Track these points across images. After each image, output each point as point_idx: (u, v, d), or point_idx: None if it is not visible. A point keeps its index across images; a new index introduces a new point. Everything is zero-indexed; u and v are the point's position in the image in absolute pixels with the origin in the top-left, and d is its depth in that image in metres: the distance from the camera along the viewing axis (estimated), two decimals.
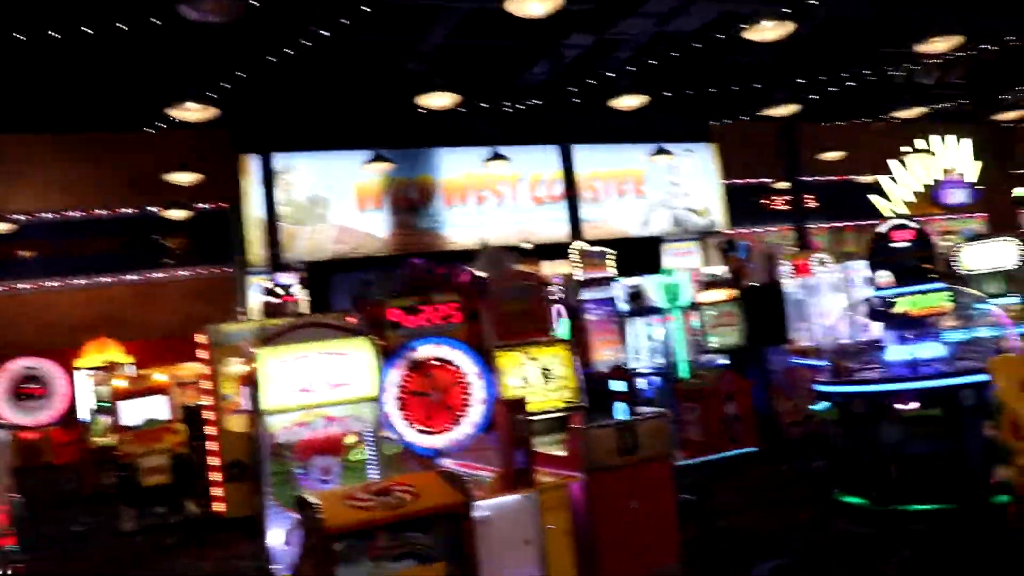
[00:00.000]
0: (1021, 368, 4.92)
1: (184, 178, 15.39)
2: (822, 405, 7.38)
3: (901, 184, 17.62)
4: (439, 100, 13.45)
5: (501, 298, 6.39)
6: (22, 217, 15.66)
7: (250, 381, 5.11)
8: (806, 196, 21.77)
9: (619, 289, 11.36)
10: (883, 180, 15.49)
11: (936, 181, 18.90)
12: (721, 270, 13.41)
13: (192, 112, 11.62)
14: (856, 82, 17.75)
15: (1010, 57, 17.21)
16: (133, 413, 10.23)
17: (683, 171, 20.92)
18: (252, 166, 16.82)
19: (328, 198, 17.64)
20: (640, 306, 10.96)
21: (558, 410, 6.01)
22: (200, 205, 16.61)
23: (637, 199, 20.62)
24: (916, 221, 7.68)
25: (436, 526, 4.32)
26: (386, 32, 13.63)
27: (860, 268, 11.89)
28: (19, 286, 15.77)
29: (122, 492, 10.06)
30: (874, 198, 15.28)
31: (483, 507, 4.66)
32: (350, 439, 5.11)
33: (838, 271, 12.40)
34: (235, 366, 9.05)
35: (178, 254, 16.82)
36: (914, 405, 6.54)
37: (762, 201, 22.07)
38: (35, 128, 15.39)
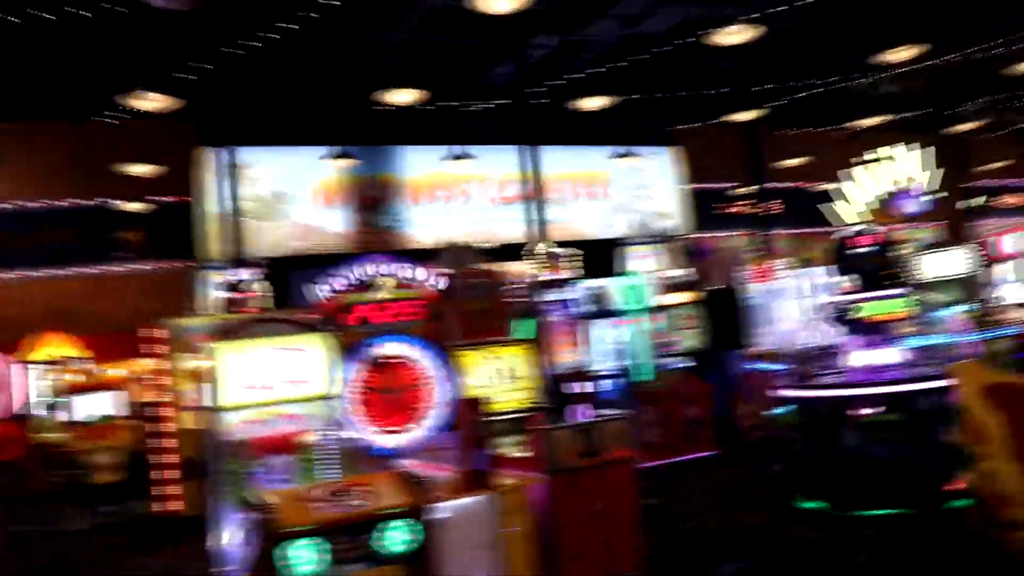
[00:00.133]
0: (983, 374, 4.95)
1: (143, 170, 15.12)
2: (782, 409, 7.41)
3: (859, 192, 17.88)
4: (403, 97, 13.35)
5: (464, 297, 6.33)
6: None
7: (205, 377, 4.99)
8: (768, 202, 21.98)
9: (581, 291, 11.35)
10: (842, 188, 15.70)
11: (893, 190, 19.06)
12: (683, 273, 13.44)
13: (152, 102, 11.41)
14: (818, 90, 17.90)
15: (966, 70, 17.48)
16: (85, 409, 10.01)
17: (646, 174, 20.98)
18: (213, 160, 16.58)
19: (290, 194, 17.45)
20: (601, 308, 10.95)
21: (520, 410, 5.96)
22: (159, 198, 16.34)
23: (600, 201, 20.64)
24: (877, 228, 7.74)
25: (394, 528, 4.23)
26: (351, 27, 13.48)
27: (820, 274, 11.99)
28: None
29: (71, 490, 9.83)
30: (832, 205, 15.49)
31: (442, 508, 4.59)
32: (307, 437, 5.00)
33: (798, 276, 12.48)
34: (191, 362, 8.89)
35: (135, 247, 16.53)
36: (873, 410, 6.57)
37: (724, 206, 22.21)
38: None
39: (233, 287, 10.65)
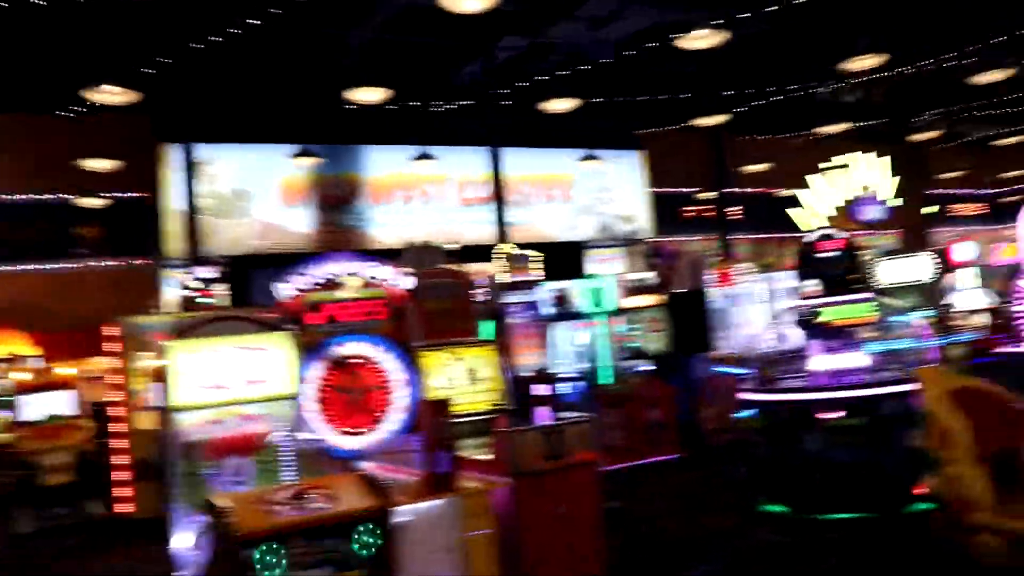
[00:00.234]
0: (948, 378, 4.97)
1: (102, 165, 14.84)
2: (745, 413, 7.42)
3: (819, 198, 18.04)
4: (369, 96, 13.23)
5: (428, 297, 6.25)
6: None
7: (161, 376, 4.86)
8: (731, 207, 22.13)
9: (544, 293, 11.31)
10: (803, 194, 15.83)
11: (852, 197, 19.23)
12: (646, 276, 13.48)
13: (113, 96, 11.18)
14: (782, 96, 18.06)
15: (924, 81, 17.74)
16: (35, 408, 9.75)
17: (610, 177, 21.03)
18: (173, 156, 16.33)
19: (251, 191, 17.24)
20: (565, 310, 10.93)
21: (484, 412, 5.89)
22: (118, 194, 16.05)
23: (564, 204, 20.65)
24: (841, 233, 7.79)
25: (354, 532, 4.14)
26: (317, 24, 13.33)
27: (783, 279, 12.10)
28: None
29: (21, 491, 9.57)
30: (794, 211, 15.63)
31: (404, 512, 4.50)
32: (266, 439, 4.89)
33: (761, 281, 12.56)
34: (148, 360, 8.71)
35: (94, 244, 16.22)
36: (837, 414, 6.59)
37: (688, 210, 22.33)
38: None
39: (192, 285, 10.47)
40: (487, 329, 10.32)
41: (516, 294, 11.47)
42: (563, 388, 9.82)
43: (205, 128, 16.26)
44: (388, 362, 5.19)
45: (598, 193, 21.02)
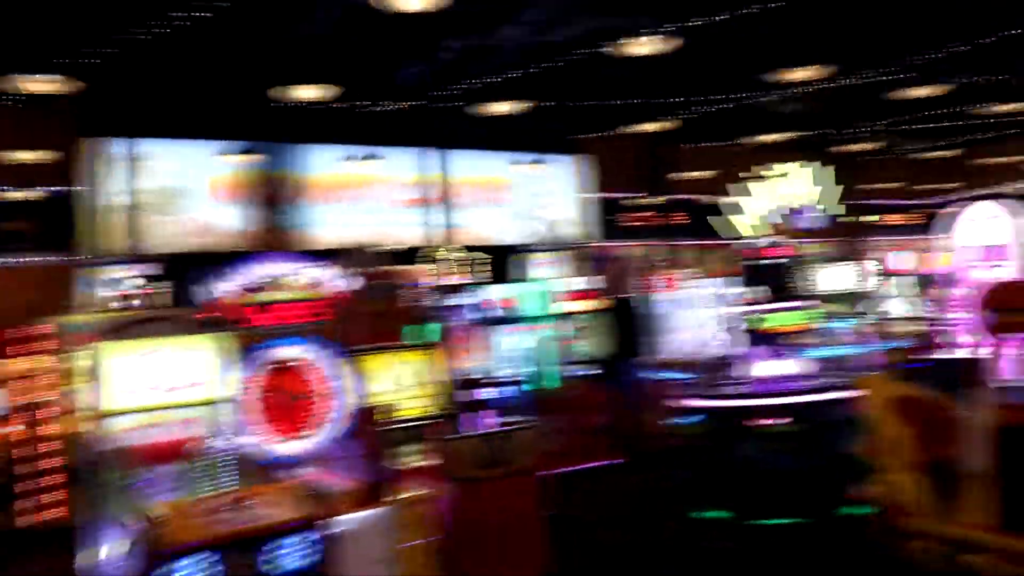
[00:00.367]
0: (891, 387, 5.02)
1: (32, 157, 14.38)
2: (685, 419, 7.43)
3: (754, 206, 18.27)
4: (308, 93, 13.03)
5: (368, 299, 6.14)
6: None
7: (90, 378, 4.68)
8: (671, 213, 22.30)
9: (484, 296, 11.25)
10: (742, 202, 16.02)
11: (788, 205, 19.53)
12: (586, 281, 13.50)
13: (43, 86, 10.82)
14: (722, 104, 18.25)
15: (861, 92, 18.08)
16: None
17: (552, 181, 21.03)
18: (105, 150, 15.88)
19: (188, 188, 16.85)
20: (505, 314, 10.88)
21: (423, 418, 5.79)
22: (49, 188, 15.56)
23: (502, 207, 20.59)
24: (782, 241, 7.87)
25: (290, 542, 4.02)
26: (258, 18, 13.07)
27: (723, 285, 12.20)
28: None
29: None
30: (732, 219, 15.80)
31: (341, 521, 4.39)
32: (199, 445, 4.73)
33: (702, 287, 12.66)
34: (75, 361, 8.41)
35: (23, 239, 15.69)
36: (776, 420, 6.63)
37: (628, 216, 22.44)
38: None
39: (124, 284, 10.16)
40: (427, 332, 10.23)
41: (456, 297, 11.39)
42: (503, 392, 9.78)
43: (141, 122, 15.81)
44: (327, 366, 5.08)
45: (539, 197, 21.00)
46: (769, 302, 7.51)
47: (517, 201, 20.61)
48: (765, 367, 7.27)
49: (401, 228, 18.72)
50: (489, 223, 20.16)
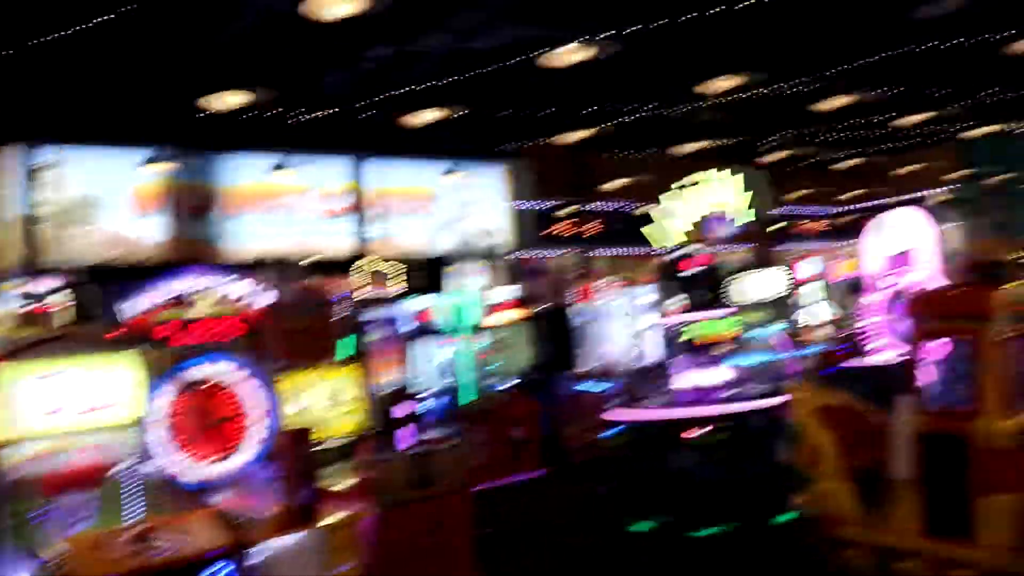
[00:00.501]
0: (816, 396, 5.07)
1: None
2: (612, 430, 7.42)
3: (676, 215, 18.46)
4: (230, 101, 12.73)
5: (287, 314, 5.96)
6: None
7: None
8: (597, 222, 22.44)
9: (406, 308, 11.12)
10: (664, 210, 16.19)
11: (708, 214, 19.75)
12: (511, 292, 13.46)
13: None
14: (647, 113, 18.45)
15: (780, 102, 18.48)
16: None
17: (474, 191, 20.97)
18: (9, 158, 15.26)
19: (100, 198, 16.29)
20: (428, 326, 10.77)
21: (348, 436, 5.64)
22: None
23: (427, 217, 20.45)
24: (705, 250, 7.93)
25: (209, 573, 3.85)
26: (179, 22, 12.70)
27: (644, 294, 12.28)
28: None
29: None
30: (654, 227, 15.97)
31: (263, 549, 4.22)
32: (111, 471, 4.50)
33: (625, 297, 12.70)
34: None
35: None
36: (704, 430, 6.66)
37: (552, 225, 22.50)
38: None
39: (30, 300, 9.72)
40: (348, 346, 10.04)
41: (379, 309, 11.22)
42: (429, 406, 9.66)
43: (47, 128, 15.25)
44: (245, 385, 4.91)
45: (463, 207, 20.91)
46: (693, 311, 7.55)
47: (443, 211, 20.48)
48: (690, 377, 7.30)
49: (325, 239, 18.44)
50: (415, 233, 19.99)
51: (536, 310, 12.41)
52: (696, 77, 15.45)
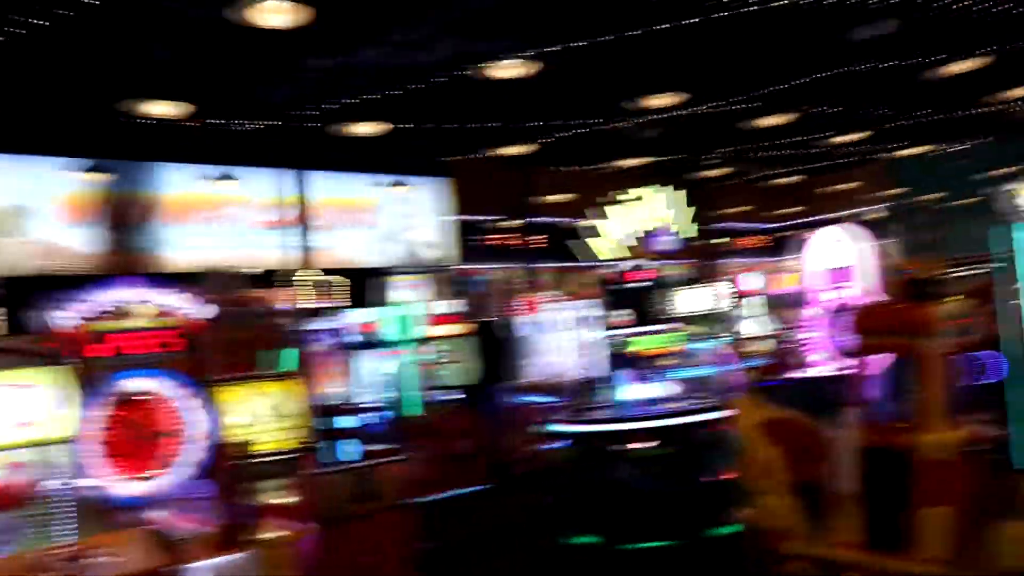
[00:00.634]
0: (760, 410, 5.10)
1: None
2: (554, 443, 7.39)
3: (613, 229, 18.56)
4: (165, 109, 12.47)
5: (225, 326, 5.81)
6: None
7: None
8: (534, 236, 22.50)
9: (347, 320, 11.00)
10: (599, 225, 16.32)
11: (646, 228, 19.88)
12: (451, 305, 13.39)
13: None
14: (583, 129, 18.57)
15: (715, 120, 18.77)
16: None
17: (415, 204, 20.90)
18: None
19: (30, 208, 15.84)
20: (368, 339, 10.66)
21: (288, 451, 5.51)
22: None
23: (368, 229, 20.33)
24: (647, 264, 7.97)
25: None
26: (109, 28, 12.40)
27: (586, 307, 12.32)
28: None
29: None
30: (593, 241, 16.09)
31: (198, 569, 4.09)
32: (36, 490, 4.32)
33: (566, 310, 12.73)
34: None
35: None
36: (645, 444, 6.66)
37: (493, 238, 22.50)
38: None
39: None
40: (288, 359, 9.86)
41: (318, 321, 11.07)
42: (367, 420, 9.52)
43: None
44: (181, 399, 4.76)
45: (403, 219, 20.83)
46: (632, 325, 7.58)
47: (380, 223, 20.37)
48: (633, 390, 7.31)
49: (260, 251, 18.19)
50: (351, 246, 19.85)
51: (475, 323, 12.35)
52: (635, 93, 15.62)
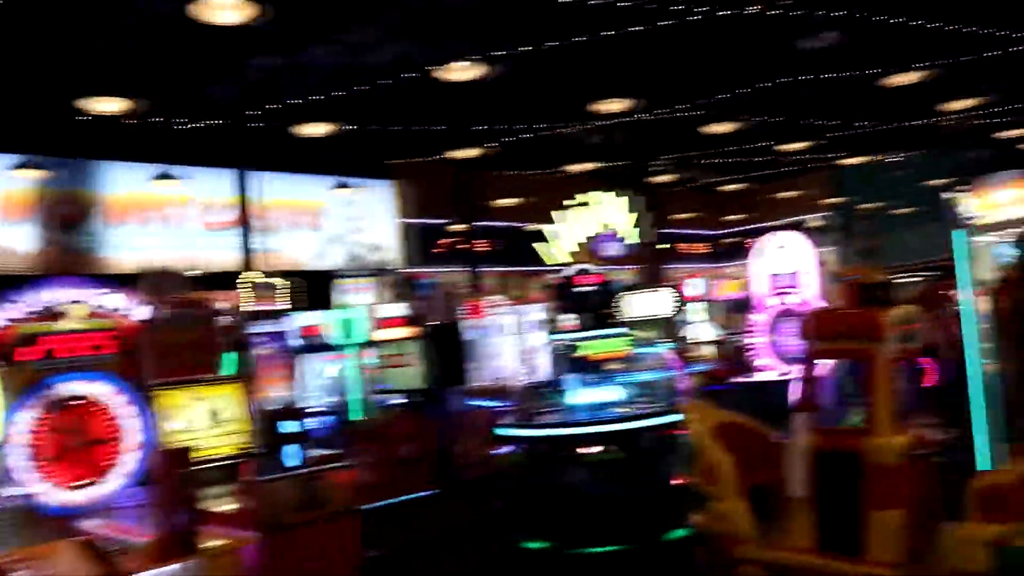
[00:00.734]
0: (712, 414, 5.08)
1: None
2: (504, 447, 7.33)
3: (565, 234, 18.66)
4: (108, 106, 12.18)
5: (166, 328, 5.65)
6: None
7: None
8: (481, 240, 22.44)
9: (292, 323, 10.86)
10: (549, 229, 16.41)
11: (596, 233, 20.08)
12: (400, 308, 13.28)
13: None
14: (535, 133, 18.57)
15: (664, 127, 18.91)
16: None
17: (362, 206, 20.73)
18: None
19: None
20: (315, 342, 10.53)
21: (229, 457, 5.36)
22: None
23: (314, 232, 20.11)
24: (594, 269, 7.96)
25: None
26: (51, 23, 12.06)
27: (535, 311, 12.32)
28: None
29: None
30: (540, 246, 16.13)
31: None
32: None
33: (516, 314, 12.71)
34: None
35: None
36: (596, 448, 6.63)
37: (440, 242, 22.40)
38: None
39: None
40: (232, 362, 9.67)
41: (265, 324, 10.90)
42: (316, 424, 9.37)
43: None
44: (118, 403, 4.60)
45: (351, 222, 20.65)
46: (580, 329, 7.56)
47: (331, 225, 20.15)
48: (582, 394, 7.28)
49: (208, 252, 17.87)
50: (301, 247, 19.61)
51: (426, 327, 12.26)
52: (585, 99, 15.65)
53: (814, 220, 25.43)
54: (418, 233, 21.67)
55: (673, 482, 5.79)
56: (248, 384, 6.10)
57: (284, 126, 15.36)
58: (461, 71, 13.09)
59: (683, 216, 27.57)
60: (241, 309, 11.38)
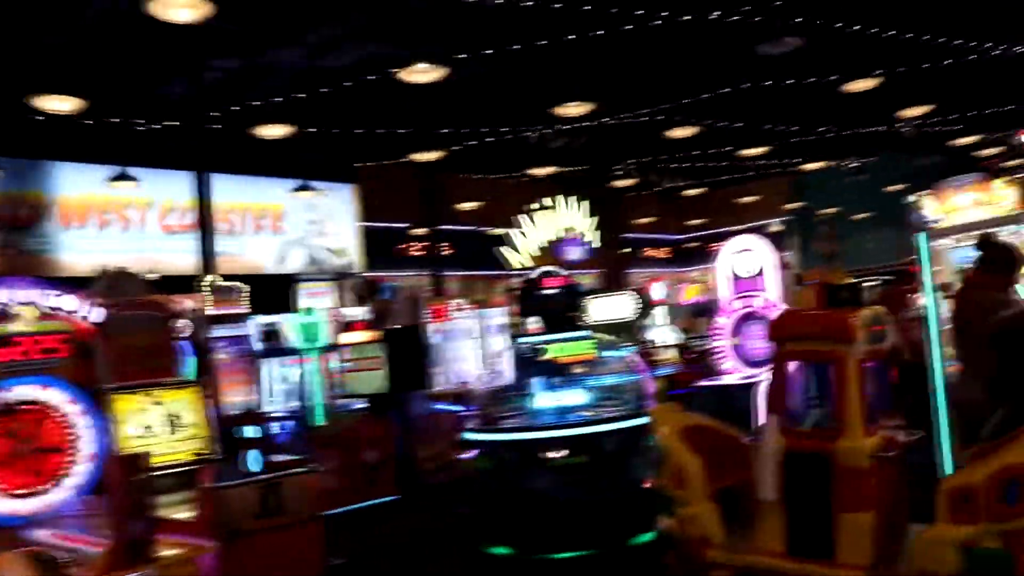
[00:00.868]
0: (679, 417, 5.04)
1: None
2: (467, 452, 7.25)
3: (527, 238, 18.54)
4: (61, 105, 11.92)
5: (121, 331, 5.50)
6: None
7: None
8: (443, 244, 22.36)
9: (253, 327, 10.70)
10: (512, 233, 16.37)
11: (558, 238, 19.97)
12: (361, 312, 13.14)
13: None
14: (495, 137, 18.54)
15: (625, 131, 18.98)
16: None
17: (323, 210, 20.56)
18: None
19: None
20: (275, 346, 10.40)
21: (187, 463, 5.22)
22: None
23: (274, 235, 19.91)
24: (562, 271, 7.91)
25: None
26: (1, 18, 11.77)
27: (495, 315, 12.28)
28: None
29: None
30: (503, 249, 16.10)
31: None
32: None
33: (479, 317, 12.65)
34: None
35: None
36: (561, 452, 6.57)
37: (400, 246, 22.29)
38: None
39: None
40: (190, 366, 9.49)
41: (222, 328, 10.71)
42: (274, 428, 9.23)
43: None
44: (69, 409, 4.44)
45: (310, 225, 20.48)
46: (543, 332, 7.52)
47: (291, 229, 19.96)
48: (544, 398, 7.22)
49: (164, 255, 17.59)
50: (260, 250, 19.40)
51: (387, 330, 12.14)
52: (548, 102, 15.65)
53: (775, 224, 25.67)
54: (379, 236, 21.55)
55: (641, 486, 5.73)
56: (207, 388, 5.96)
57: (244, 127, 15.16)
58: (423, 73, 13.01)
59: (645, 220, 27.68)
60: (198, 312, 11.17)
